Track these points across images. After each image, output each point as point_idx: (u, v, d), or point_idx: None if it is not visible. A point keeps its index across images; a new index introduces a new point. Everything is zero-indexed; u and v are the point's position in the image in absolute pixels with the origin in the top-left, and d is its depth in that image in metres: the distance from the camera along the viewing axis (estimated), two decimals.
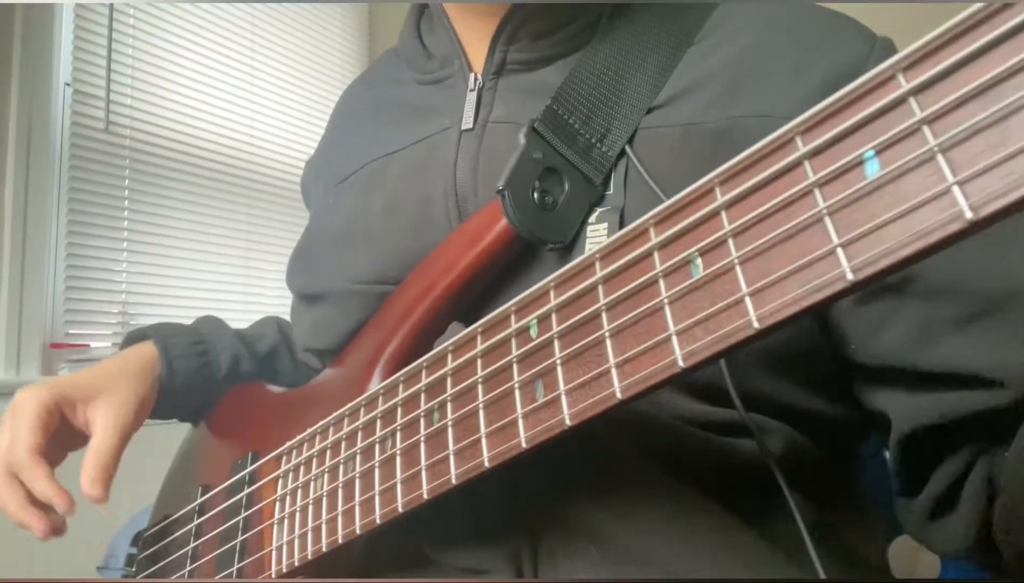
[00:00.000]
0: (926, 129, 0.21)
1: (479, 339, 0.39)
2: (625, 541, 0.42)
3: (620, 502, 0.43)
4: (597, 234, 0.46)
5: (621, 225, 0.45)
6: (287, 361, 0.73)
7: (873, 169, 0.22)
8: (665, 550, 0.42)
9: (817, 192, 0.24)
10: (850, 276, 0.23)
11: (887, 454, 0.45)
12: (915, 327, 0.41)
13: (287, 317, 0.77)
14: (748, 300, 0.26)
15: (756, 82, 0.46)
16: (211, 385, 0.68)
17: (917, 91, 0.21)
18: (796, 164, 0.25)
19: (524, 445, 0.34)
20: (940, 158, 0.21)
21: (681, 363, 0.29)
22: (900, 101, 0.22)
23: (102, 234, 1.71)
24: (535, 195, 0.45)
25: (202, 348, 0.67)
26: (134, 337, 0.68)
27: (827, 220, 0.24)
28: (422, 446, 0.40)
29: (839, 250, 0.23)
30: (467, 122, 0.53)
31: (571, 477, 0.44)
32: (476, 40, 0.55)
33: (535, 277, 0.46)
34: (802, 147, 0.25)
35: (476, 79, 0.54)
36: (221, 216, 1.99)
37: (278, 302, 2.05)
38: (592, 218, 0.46)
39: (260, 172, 2.11)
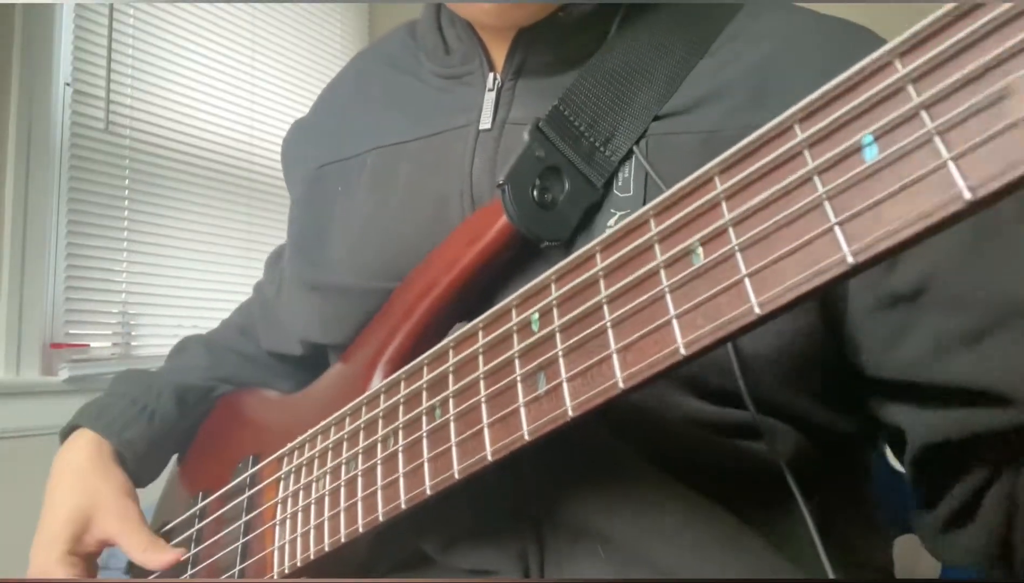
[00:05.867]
0: (924, 113, 0.22)
1: (480, 334, 0.39)
2: (631, 543, 0.42)
3: (627, 504, 0.43)
4: None
5: None
6: (245, 368, 0.72)
7: (872, 154, 0.23)
8: (671, 553, 0.42)
9: (817, 178, 0.24)
10: (850, 259, 0.23)
11: (903, 468, 0.46)
12: (930, 340, 0.40)
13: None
14: (748, 286, 0.26)
15: (781, 90, 0.45)
16: (173, 428, 0.66)
17: (914, 77, 0.22)
18: (796, 152, 0.25)
19: (527, 437, 0.34)
20: (937, 140, 0.21)
21: (683, 351, 0.29)
22: (898, 88, 0.22)
23: (102, 234, 1.71)
24: (534, 192, 0.45)
25: (141, 405, 0.64)
26: (65, 433, 0.64)
27: (826, 204, 0.24)
28: (424, 441, 0.40)
29: (838, 232, 0.23)
30: (485, 122, 0.52)
31: (578, 478, 0.44)
32: (497, 39, 0.54)
33: (538, 276, 0.47)
34: (800, 134, 0.25)
35: (495, 79, 0.53)
36: (221, 216, 1.99)
37: None
38: (610, 222, 0.46)
39: (260, 172, 2.11)
